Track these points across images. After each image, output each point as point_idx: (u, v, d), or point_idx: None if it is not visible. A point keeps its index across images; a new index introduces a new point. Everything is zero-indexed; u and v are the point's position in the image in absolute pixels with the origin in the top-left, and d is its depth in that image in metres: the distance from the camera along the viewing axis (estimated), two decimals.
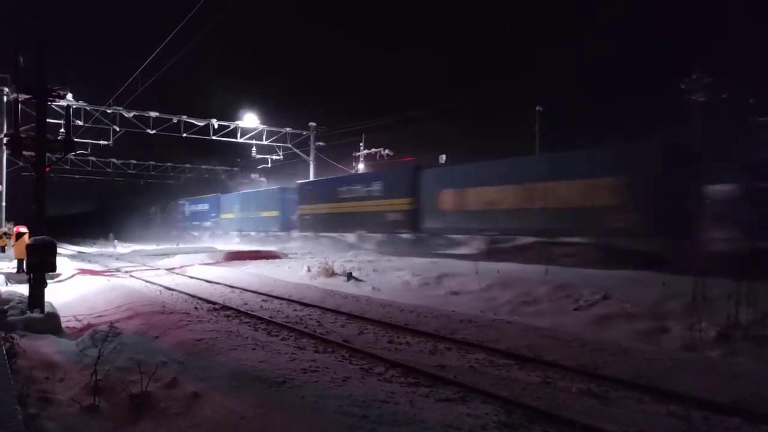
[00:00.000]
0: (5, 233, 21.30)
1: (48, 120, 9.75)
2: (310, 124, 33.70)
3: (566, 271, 11.80)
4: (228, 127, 31.63)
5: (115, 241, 38.38)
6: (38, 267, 8.27)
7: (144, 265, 20.47)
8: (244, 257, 20.98)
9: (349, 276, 13.55)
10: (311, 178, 31.91)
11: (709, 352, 6.48)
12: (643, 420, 4.52)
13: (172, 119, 29.68)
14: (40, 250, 8.20)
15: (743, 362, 6.06)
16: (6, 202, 24.49)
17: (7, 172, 24.77)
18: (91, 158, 42.99)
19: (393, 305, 10.07)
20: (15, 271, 14.36)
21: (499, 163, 17.45)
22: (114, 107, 28.40)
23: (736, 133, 12.17)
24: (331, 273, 14.24)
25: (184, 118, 29.86)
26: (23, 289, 9.36)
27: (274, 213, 29.93)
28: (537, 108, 27.62)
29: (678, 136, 13.38)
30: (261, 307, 10.39)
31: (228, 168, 49.47)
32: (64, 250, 31.01)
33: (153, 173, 51.01)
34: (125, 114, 28.92)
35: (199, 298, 11.37)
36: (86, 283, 13.96)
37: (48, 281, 8.80)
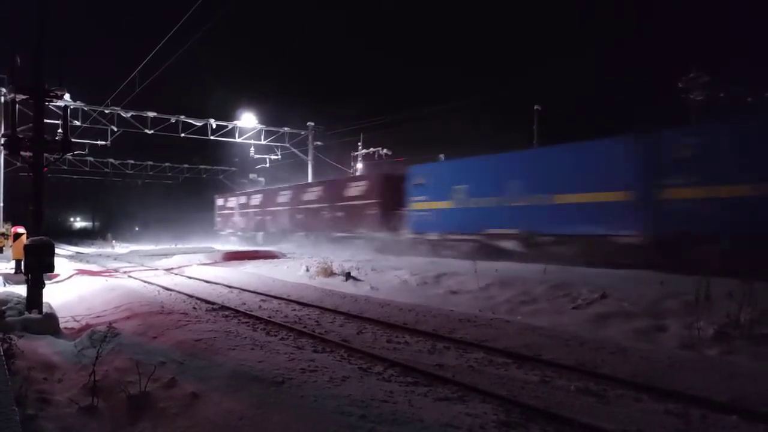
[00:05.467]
0: (3, 234, 21.26)
1: (45, 120, 9.71)
2: (308, 123, 33.66)
3: (565, 270, 11.81)
4: (226, 126, 31.58)
5: (114, 241, 38.30)
6: (36, 267, 8.25)
7: (142, 265, 20.44)
8: (242, 257, 20.96)
9: (348, 275, 13.54)
10: (310, 178, 31.89)
11: (707, 350, 6.50)
12: (641, 418, 4.52)
13: (170, 119, 29.61)
14: (38, 251, 8.18)
15: (741, 361, 6.08)
16: (3, 202, 24.47)
17: (4, 173, 24.76)
18: (88, 158, 42.92)
19: (391, 304, 10.08)
20: (13, 271, 14.36)
21: None
22: (112, 107, 28.34)
23: None
24: (329, 273, 14.24)
25: (182, 118, 29.81)
26: (21, 290, 9.35)
27: None
28: (535, 107, 27.56)
29: None
30: (259, 307, 10.38)
31: (226, 168, 49.40)
32: (62, 250, 30.94)
33: (151, 173, 50.96)
34: (123, 114, 28.85)
35: (198, 298, 11.35)
36: (84, 284, 13.94)
37: (46, 282, 8.79)
